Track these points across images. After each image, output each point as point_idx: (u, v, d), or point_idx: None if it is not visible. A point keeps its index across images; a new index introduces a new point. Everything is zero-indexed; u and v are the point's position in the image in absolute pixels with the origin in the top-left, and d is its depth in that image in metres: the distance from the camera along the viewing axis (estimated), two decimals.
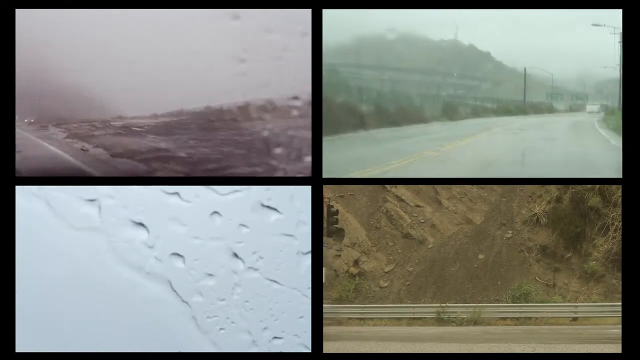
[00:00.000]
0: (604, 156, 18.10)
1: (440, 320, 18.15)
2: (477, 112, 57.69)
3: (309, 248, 8.95)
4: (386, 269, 21.44)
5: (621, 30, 10.68)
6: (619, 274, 17.68)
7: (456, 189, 23.50)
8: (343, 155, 17.00)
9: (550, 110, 76.93)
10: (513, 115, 60.61)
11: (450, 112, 47.87)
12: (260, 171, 11.32)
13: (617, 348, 10.12)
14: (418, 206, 22.99)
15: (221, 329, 8.92)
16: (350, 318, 19.05)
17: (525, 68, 74.27)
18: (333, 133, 21.24)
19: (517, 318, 17.88)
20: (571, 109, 78.84)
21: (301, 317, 8.91)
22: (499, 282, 19.45)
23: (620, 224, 17.97)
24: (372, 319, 19.02)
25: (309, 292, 8.92)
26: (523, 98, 74.43)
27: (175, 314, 8.93)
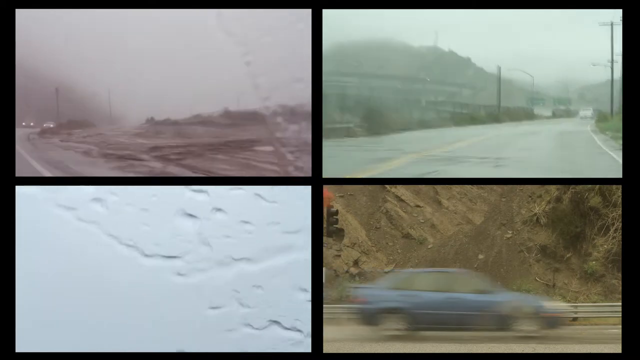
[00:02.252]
0: None
1: None
2: (426, 123, 44.41)
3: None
4: (386, 269, 21.45)
5: (612, 22, 10.74)
6: (619, 274, 17.69)
7: (456, 189, 23.52)
8: None
9: (530, 116, 66.45)
10: (480, 124, 49.57)
11: (375, 123, 33.17)
12: None
13: (617, 348, 10.13)
14: (418, 206, 23.01)
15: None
16: (350, 318, 19.02)
17: (499, 67, 64.99)
18: None
19: None
20: (555, 115, 71.17)
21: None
22: (499, 282, 19.45)
23: (620, 224, 17.98)
24: None
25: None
26: (497, 103, 63.69)
27: (177, 314, 8.94)
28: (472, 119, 52.53)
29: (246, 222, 8.95)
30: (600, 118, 48.17)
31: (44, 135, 28.89)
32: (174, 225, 8.97)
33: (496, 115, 60.26)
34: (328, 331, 14.93)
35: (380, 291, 13.25)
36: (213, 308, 8.94)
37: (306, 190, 9.05)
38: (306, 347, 8.97)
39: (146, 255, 8.96)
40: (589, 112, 62.16)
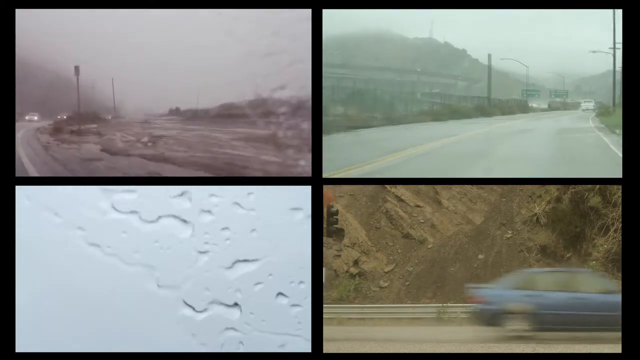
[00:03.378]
0: None
1: (440, 321, 18.16)
2: (396, 118, 36.78)
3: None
4: (386, 269, 21.45)
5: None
6: (619, 274, 17.67)
7: (456, 189, 23.51)
8: None
9: (524, 109, 61.22)
10: (465, 118, 42.25)
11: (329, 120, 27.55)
12: None
13: (617, 348, 10.12)
14: (418, 206, 23.01)
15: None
16: (350, 318, 19.07)
17: (489, 55, 58.04)
18: None
19: None
20: (550, 107, 67.21)
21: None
22: None
23: (620, 224, 17.98)
24: (371, 319, 19.05)
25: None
26: (488, 94, 57.34)
27: (178, 312, 8.93)
28: (455, 113, 44.24)
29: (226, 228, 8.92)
30: (603, 111, 44.15)
31: (61, 136, 19.54)
32: (175, 228, 8.97)
33: (485, 108, 53.42)
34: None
35: (501, 291, 13.04)
36: (199, 312, 8.93)
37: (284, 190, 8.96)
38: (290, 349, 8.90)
39: (150, 259, 8.95)
40: (591, 105, 60.08)
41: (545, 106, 67.78)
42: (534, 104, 66.38)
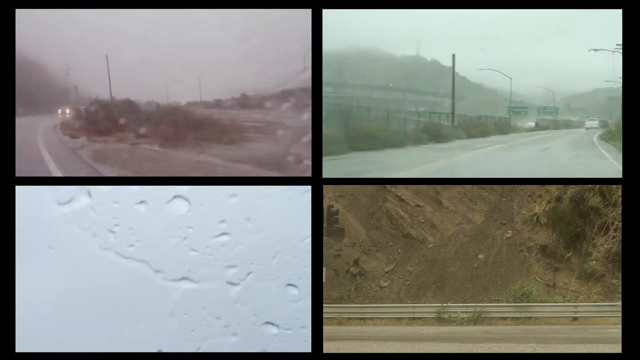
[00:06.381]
0: None
1: (440, 320, 18.16)
2: None
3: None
4: (386, 269, 21.43)
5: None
6: (619, 274, 17.68)
7: (456, 188, 23.48)
8: None
9: (503, 129, 48.53)
10: (392, 147, 26.68)
11: None
12: None
13: (617, 348, 10.13)
14: (418, 206, 22.97)
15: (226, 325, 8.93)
16: (350, 318, 19.06)
17: (453, 55, 47.03)
18: None
19: (517, 318, 17.88)
20: (538, 126, 59.40)
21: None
22: (499, 282, 19.46)
23: (620, 223, 17.98)
24: (372, 318, 19.05)
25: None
26: (452, 110, 44.36)
27: (177, 312, 8.93)
28: (389, 140, 27.55)
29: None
30: (614, 133, 32.24)
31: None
32: (176, 228, 8.96)
33: (443, 129, 35.93)
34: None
35: None
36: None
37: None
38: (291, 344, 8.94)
39: (148, 258, 8.94)
40: (595, 123, 56.51)
41: (532, 124, 59.59)
42: (518, 123, 57.17)
